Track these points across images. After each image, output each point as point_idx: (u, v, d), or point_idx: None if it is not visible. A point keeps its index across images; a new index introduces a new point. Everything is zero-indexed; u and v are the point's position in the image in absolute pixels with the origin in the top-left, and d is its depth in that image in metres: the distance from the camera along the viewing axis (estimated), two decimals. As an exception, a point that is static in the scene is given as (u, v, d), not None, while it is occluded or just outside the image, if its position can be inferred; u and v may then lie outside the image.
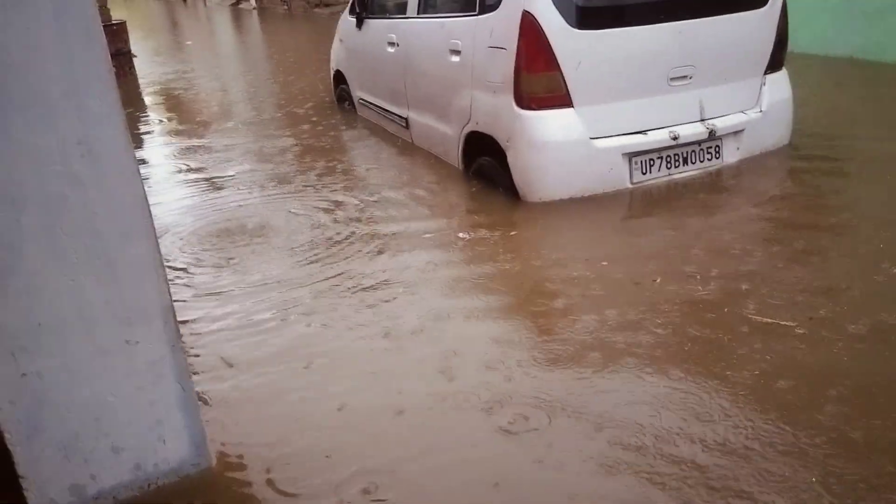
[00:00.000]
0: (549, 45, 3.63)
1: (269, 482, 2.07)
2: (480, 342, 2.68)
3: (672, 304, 2.81)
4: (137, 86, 9.18)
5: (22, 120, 1.68)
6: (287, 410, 2.39)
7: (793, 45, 4.51)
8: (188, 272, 3.50)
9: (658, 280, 3.02)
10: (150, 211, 1.90)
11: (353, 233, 3.79)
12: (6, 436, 1.84)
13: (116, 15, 10.45)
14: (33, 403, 1.85)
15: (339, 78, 6.76)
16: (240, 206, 4.38)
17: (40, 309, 1.80)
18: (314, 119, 6.59)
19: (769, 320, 2.64)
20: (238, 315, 3.02)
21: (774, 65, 4.29)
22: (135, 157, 1.86)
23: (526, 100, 3.75)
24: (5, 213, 1.71)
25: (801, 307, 2.73)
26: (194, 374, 2.46)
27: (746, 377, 2.33)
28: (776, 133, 4.38)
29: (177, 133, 6.66)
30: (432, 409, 2.33)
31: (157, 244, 1.93)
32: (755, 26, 4.15)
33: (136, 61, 10.24)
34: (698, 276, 3.02)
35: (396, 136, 5.55)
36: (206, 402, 2.42)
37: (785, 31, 4.27)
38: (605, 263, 3.22)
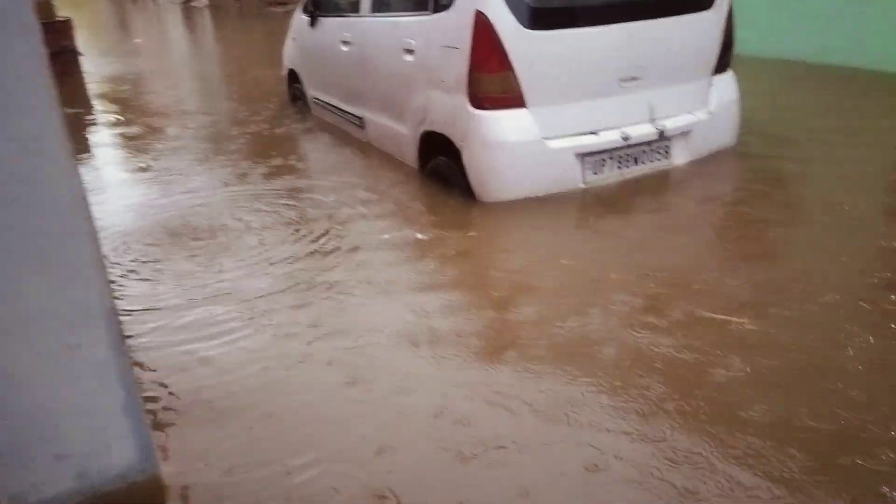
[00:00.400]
0: (502, 46, 3.65)
1: (217, 487, 2.04)
2: (442, 342, 2.68)
3: (626, 302, 2.85)
4: (83, 84, 8.93)
5: (-45, 116, 1.62)
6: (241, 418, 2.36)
7: (744, 47, 4.62)
8: (133, 272, 3.42)
9: (614, 277, 3.05)
10: (90, 210, 1.84)
11: (307, 234, 3.75)
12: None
13: (63, 12, 10.15)
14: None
15: (293, 77, 6.69)
16: (189, 206, 4.30)
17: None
18: (267, 118, 6.51)
19: (721, 316, 2.69)
20: (184, 318, 2.96)
21: (721, 66, 4.39)
22: (74, 155, 1.81)
23: (480, 100, 3.76)
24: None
25: (751, 303, 2.79)
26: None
27: (695, 370, 2.38)
28: (723, 134, 4.48)
29: (123, 132, 6.50)
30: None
31: (99, 244, 1.88)
32: (702, 28, 4.25)
33: (82, 59, 9.96)
34: (650, 274, 3.07)
35: (352, 136, 5.52)
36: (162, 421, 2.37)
37: (731, 34, 4.38)
38: (564, 262, 3.26)
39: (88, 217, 1.84)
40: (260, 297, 3.09)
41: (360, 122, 5.28)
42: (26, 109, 1.69)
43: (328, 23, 5.61)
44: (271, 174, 4.83)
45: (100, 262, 1.87)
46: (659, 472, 1.96)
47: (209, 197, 4.44)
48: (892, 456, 1.97)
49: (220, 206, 4.25)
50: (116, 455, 2.01)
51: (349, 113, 5.44)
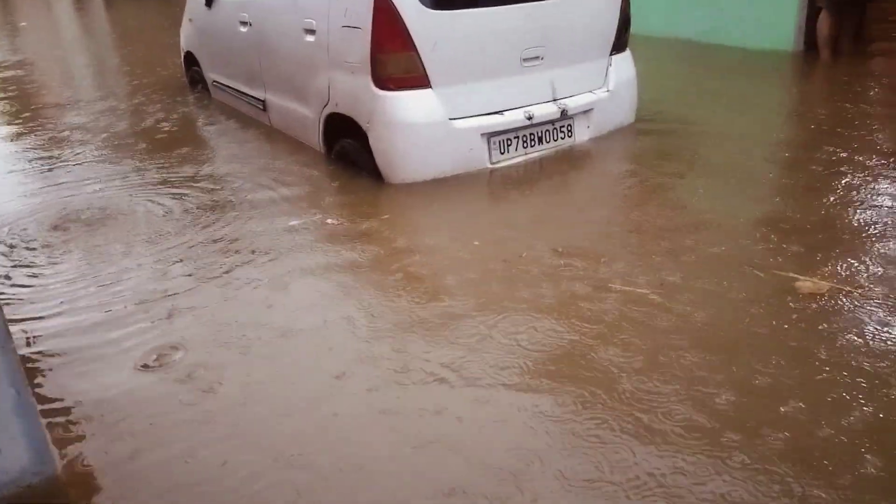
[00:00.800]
0: (404, 25, 3.64)
1: (118, 487, 1.97)
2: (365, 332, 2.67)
3: (538, 278, 2.91)
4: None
5: None
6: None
7: (642, 27, 4.79)
8: (19, 266, 3.24)
9: (524, 255, 3.11)
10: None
11: (212, 223, 3.64)
12: None
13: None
14: None
15: (190, 59, 6.45)
16: (82, 195, 4.10)
17: None
18: (165, 103, 6.26)
19: (627, 288, 2.79)
20: (78, 312, 2.83)
21: (619, 46, 4.52)
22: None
23: (383, 80, 3.74)
24: None
25: (654, 274, 2.90)
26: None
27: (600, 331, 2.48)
28: (622, 112, 4.63)
29: (9, 121, 6.10)
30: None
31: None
32: (601, 8, 4.36)
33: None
34: (559, 250, 3.14)
35: (254, 120, 5.38)
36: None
37: (628, 14, 4.52)
38: (476, 243, 3.28)
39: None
40: (154, 291, 2.98)
41: (262, 106, 5.15)
42: None
43: (225, 2, 5.43)
44: (170, 162, 4.65)
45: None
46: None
47: (101, 187, 4.24)
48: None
49: (113, 197, 4.06)
50: (9, 458, 1.90)
51: (250, 96, 5.30)
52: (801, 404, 2.10)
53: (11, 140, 5.54)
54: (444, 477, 1.92)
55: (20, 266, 3.26)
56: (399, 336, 2.57)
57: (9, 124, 6.04)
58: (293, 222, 3.60)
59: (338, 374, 2.38)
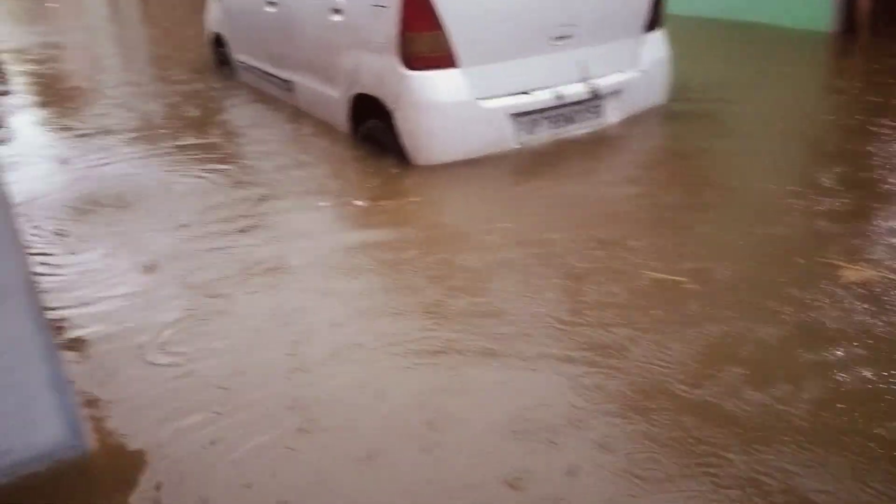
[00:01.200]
0: (432, 4, 3.59)
1: (150, 465, 1.98)
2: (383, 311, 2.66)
3: (573, 265, 2.85)
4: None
5: None
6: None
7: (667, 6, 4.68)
8: (51, 243, 3.28)
9: (556, 237, 3.06)
10: (5, 181, 1.75)
11: (241, 202, 3.64)
12: None
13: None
14: None
15: (217, 40, 6.46)
16: (112, 175, 4.13)
17: None
18: (192, 84, 6.27)
19: (660, 275, 2.74)
20: (116, 291, 2.86)
21: (652, 24, 4.43)
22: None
23: (411, 60, 3.70)
24: None
25: (686, 262, 2.83)
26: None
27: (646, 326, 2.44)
28: (654, 92, 4.55)
29: (41, 101, 6.17)
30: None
31: (14, 215, 1.78)
32: (632, -14, 4.27)
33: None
34: (591, 232, 3.09)
35: (280, 101, 5.37)
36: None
37: (661, -8, 4.43)
38: (506, 224, 3.23)
39: (2, 189, 1.74)
40: (183, 267, 3.00)
41: (288, 87, 5.14)
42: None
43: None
44: (198, 143, 4.67)
45: (16, 234, 1.78)
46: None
47: (131, 166, 4.27)
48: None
49: (143, 176, 4.09)
50: (43, 433, 1.94)
51: (277, 77, 5.29)
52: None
53: (43, 118, 5.60)
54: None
55: (50, 245, 3.30)
56: (427, 319, 2.56)
57: (33, 101, 6.11)
58: (320, 203, 3.60)
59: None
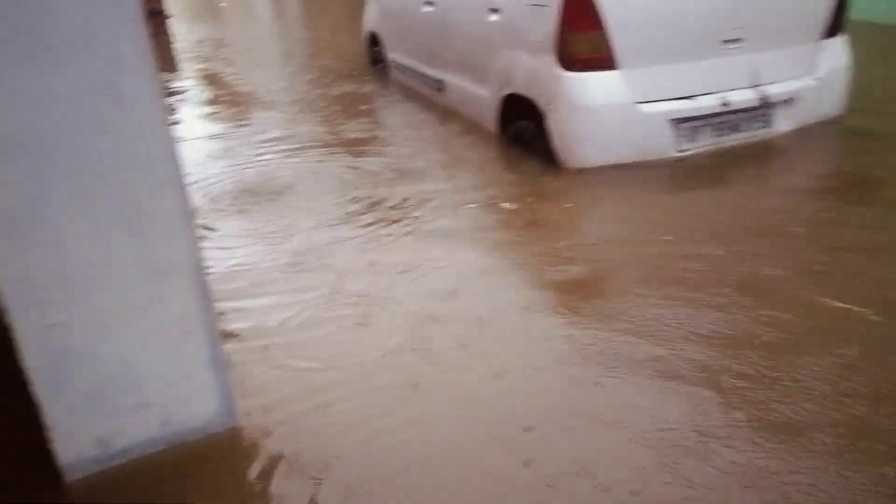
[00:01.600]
0: (594, 2, 3.47)
1: (296, 444, 2.02)
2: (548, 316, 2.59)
3: (739, 285, 2.64)
4: (171, 47, 9.13)
5: (50, 61, 1.60)
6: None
7: (854, 11, 4.28)
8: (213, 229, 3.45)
9: (722, 254, 2.86)
10: (180, 163, 1.82)
11: (387, 200, 3.67)
12: (34, 387, 1.81)
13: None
14: (60, 355, 1.81)
15: (373, 39, 6.63)
16: (269, 167, 4.31)
17: (67, 260, 1.74)
18: (345, 80, 6.48)
19: (842, 305, 2.48)
20: (272, 281, 2.97)
21: (833, 30, 4.06)
22: (165, 106, 1.79)
23: (568, 60, 3.60)
24: (32, 160, 1.64)
25: (872, 291, 2.54)
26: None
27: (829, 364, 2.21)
28: (830, 102, 4.17)
29: (210, 94, 6.59)
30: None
31: (188, 198, 1.86)
32: (813, -12, 3.94)
33: (170, 22, 10.17)
34: (763, 255, 2.85)
35: (431, 100, 5.43)
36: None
37: (844, -6, 4.05)
38: (668, 238, 3.05)
39: (179, 169, 1.82)
40: (330, 262, 3.05)
41: (439, 86, 5.18)
42: (123, 58, 1.67)
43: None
44: (348, 139, 4.79)
45: (188, 215, 1.86)
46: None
47: (287, 159, 4.44)
48: None
49: (298, 168, 4.23)
50: (198, 407, 2.02)
51: (429, 76, 5.35)
52: None
53: (205, 109, 5.98)
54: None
55: (212, 228, 3.48)
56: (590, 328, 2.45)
57: (202, 94, 6.53)
58: (469, 204, 3.56)
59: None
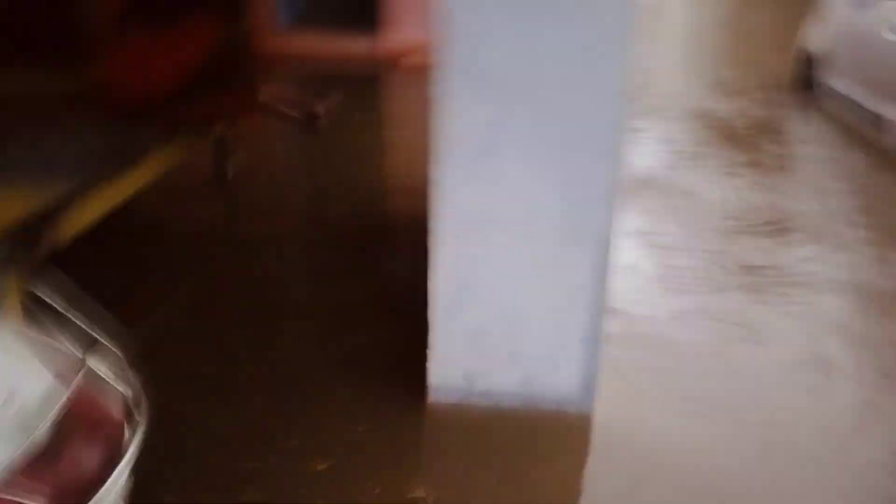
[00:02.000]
0: None
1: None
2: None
3: None
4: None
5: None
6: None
7: None
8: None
9: None
10: (623, 137, 1.79)
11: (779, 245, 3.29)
12: (430, 309, 1.94)
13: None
14: (461, 285, 1.93)
15: (808, 60, 5.95)
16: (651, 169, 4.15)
17: (497, 200, 1.85)
18: (754, 101, 5.91)
19: None
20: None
21: None
22: (628, 70, 1.75)
23: None
24: (493, 103, 1.75)
25: None
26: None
27: None
28: None
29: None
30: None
31: (620, 172, 1.82)
32: None
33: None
34: None
35: (868, 140, 4.68)
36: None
37: None
38: None
39: (619, 143, 1.79)
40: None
41: (881, 125, 4.44)
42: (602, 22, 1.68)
43: (881, 4, 4.77)
44: (764, 165, 4.36)
45: (615, 188, 1.82)
46: None
47: (692, 173, 4.21)
48: None
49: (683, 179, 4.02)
50: (560, 379, 2.00)
51: (872, 111, 4.61)
52: None
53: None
54: None
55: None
56: None
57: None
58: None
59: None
